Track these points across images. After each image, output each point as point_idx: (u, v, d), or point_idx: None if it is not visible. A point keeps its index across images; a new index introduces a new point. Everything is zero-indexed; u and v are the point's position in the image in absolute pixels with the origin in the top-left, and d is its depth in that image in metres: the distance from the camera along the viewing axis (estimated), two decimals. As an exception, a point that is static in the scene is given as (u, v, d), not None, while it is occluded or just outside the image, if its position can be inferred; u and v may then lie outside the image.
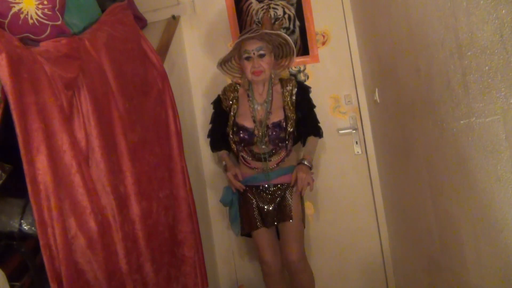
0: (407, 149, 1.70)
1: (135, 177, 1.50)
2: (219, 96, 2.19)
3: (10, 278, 1.16)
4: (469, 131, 1.06)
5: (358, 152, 2.40)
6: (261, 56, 1.95)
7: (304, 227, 2.10)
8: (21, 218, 1.31)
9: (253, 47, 1.94)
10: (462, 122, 1.09)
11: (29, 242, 1.29)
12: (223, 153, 2.20)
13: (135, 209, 1.49)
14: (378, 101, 2.05)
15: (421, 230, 1.68)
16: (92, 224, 1.27)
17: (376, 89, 2.05)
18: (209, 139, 2.26)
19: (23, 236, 1.30)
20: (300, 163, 2.06)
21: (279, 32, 1.97)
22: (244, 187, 2.06)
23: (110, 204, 1.36)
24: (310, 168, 2.04)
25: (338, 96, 2.41)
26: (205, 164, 2.53)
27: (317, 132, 2.13)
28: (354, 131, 2.39)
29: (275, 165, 2.04)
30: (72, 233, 1.23)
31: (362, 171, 2.40)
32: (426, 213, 1.56)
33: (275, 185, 2.04)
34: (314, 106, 2.13)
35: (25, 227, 1.31)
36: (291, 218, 1.99)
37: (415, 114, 1.49)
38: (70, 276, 1.18)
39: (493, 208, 1.00)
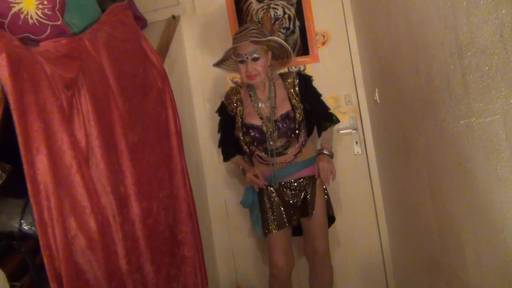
0: (407, 149, 1.69)
1: (135, 177, 1.50)
2: (222, 102, 2.12)
3: (10, 278, 1.16)
4: (469, 131, 1.06)
5: (358, 152, 2.40)
6: (255, 59, 1.88)
7: (334, 221, 2.13)
8: (21, 218, 1.31)
9: (245, 51, 1.86)
10: (462, 122, 1.09)
11: (29, 242, 1.29)
12: (238, 158, 2.14)
13: (135, 209, 1.49)
14: (378, 101, 2.05)
15: (421, 230, 1.68)
16: (92, 224, 1.27)
17: (376, 89, 2.05)
18: (220, 149, 2.18)
19: (23, 236, 1.30)
20: (320, 153, 2.02)
21: (270, 37, 1.89)
22: (266, 184, 2.01)
23: (110, 204, 1.37)
24: (331, 157, 2.01)
25: (338, 96, 2.41)
26: (205, 164, 2.53)
27: (330, 119, 2.06)
28: (354, 131, 2.39)
29: (293, 157, 2.00)
30: (72, 233, 1.23)
31: (362, 171, 2.40)
32: (426, 213, 1.56)
33: (297, 180, 2.01)
34: (320, 95, 2.08)
35: (25, 227, 1.31)
36: (315, 213, 1.98)
37: (415, 114, 1.49)
38: (70, 276, 1.18)
39: (493, 208, 1.00)
